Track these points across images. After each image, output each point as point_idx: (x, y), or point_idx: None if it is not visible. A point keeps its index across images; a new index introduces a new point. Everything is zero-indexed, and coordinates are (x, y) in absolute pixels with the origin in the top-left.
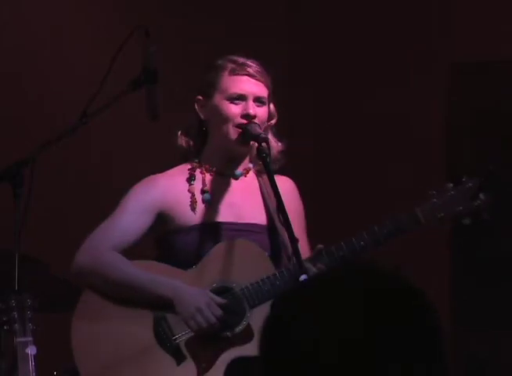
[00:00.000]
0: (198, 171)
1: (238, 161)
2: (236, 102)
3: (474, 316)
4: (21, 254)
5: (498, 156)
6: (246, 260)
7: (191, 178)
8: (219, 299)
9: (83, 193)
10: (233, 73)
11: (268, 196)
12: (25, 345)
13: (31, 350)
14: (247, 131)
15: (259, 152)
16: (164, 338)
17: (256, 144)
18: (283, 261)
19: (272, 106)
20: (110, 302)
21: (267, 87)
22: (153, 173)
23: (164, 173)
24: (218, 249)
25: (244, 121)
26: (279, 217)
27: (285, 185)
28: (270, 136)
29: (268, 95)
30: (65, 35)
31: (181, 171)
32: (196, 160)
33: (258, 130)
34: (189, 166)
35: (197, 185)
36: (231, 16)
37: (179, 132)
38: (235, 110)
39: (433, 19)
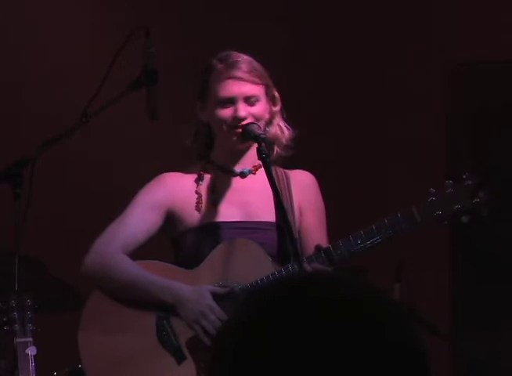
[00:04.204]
0: (206, 171)
1: (243, 159)
2: (227, 105)
3: (474, 317)
4: (21, 255)
5: (498, 156)
6: (248, 259)
7: (199, 179)
8: (220, 289)
9: (83, 193)
10: (221, 75)
11: (280, 191)
12: (25, 345)
13: (31, 350)
14: (247, 132)
15: (259, 152)
16: (165, 338)
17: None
18: (291, 258)
19: (276, 94)
20: (115, 306)
21: (259, 83)
22: (153, 173)
23: (174, 172)
24: (220, 249)
25: (237, 124)
26: (281, 213)
27: (303, 178)
28: (281, 123)
29: (265, 89)
30: (65, 35)
31: (190, 172)
32: (205, 161)
33: (257, 131)
34: (199, 166)
35: (205, 185)
36: (231, 17)
37: (187, 134)
38: (226, 113)
39: (433, 19)
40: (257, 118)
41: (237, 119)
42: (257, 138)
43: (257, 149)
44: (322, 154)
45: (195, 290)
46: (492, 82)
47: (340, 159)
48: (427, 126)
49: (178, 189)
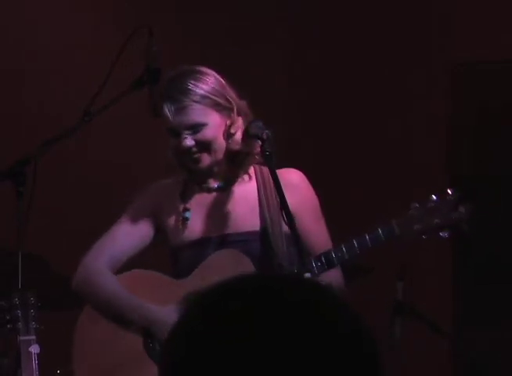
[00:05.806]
0: (187, 186)
1: (217, 174)
2: (173, 134)
3: (474, 317)
4: (24, 253)
5: (498, 156)
6: (236, 270)
7: (182, 194)
8: None
9: (84, 192)
10: (162, 106)
11: (265, 198)
12: (28, 343)
13: (34, 348)
14: (247, 131)
15: (262, 150)
16: (150, 346)
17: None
18: (274, 267)
19: (234, 106)
20: (105, 317)
21: (204, 108)
22: (153, 173)
23: (164, 182)
24: (209, 260)
25: (184, 153)
26: (282, 215)
27: (291, 178)
28: (235, 142)
29: (215, 108)
30: (67, 34)
31: (177, 184)
32: (185, 176)
33: (257, 130)
34: (182, 179)
35: (187, 201)
36: (231, 17)
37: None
38: (173, 142)
39: (433, 19)
40: (205, 144)
41: (183, 150)
42: (258, 137)
43: (260, 147)
44: (321, 154)
45: (167, 309)
46: (492, 82)
47: (340, 159)
48: (427, 126)
49: (165, 202)
